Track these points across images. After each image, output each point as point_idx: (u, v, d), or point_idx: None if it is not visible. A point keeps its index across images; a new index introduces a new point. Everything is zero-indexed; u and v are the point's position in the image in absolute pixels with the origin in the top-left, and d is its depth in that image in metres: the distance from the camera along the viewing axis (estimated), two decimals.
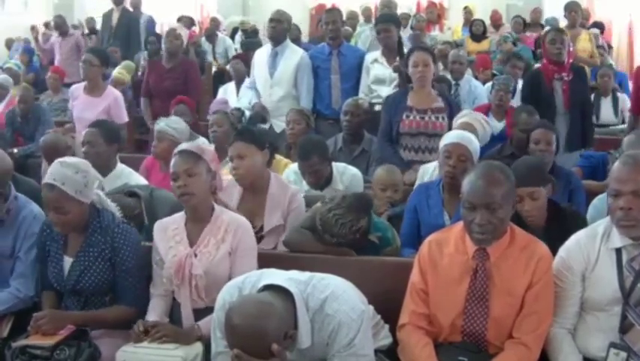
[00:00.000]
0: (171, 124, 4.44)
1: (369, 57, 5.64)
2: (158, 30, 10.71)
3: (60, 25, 9.03)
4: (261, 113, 5.71)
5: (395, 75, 5.34)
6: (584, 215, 3.41)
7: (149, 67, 6.47)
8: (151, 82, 6.20)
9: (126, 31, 9.38)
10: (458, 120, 4.24)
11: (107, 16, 9.61)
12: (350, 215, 3.07)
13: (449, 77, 6.56)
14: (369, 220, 3.25)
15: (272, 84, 5.77)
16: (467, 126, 4.08)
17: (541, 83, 5.12)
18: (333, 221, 3.06)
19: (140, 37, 9.58)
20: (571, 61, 5.30)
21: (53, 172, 2.88)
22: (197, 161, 2.93)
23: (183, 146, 3.02)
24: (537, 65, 7.62)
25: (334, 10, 6.13)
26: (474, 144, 3.58)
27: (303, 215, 3.47)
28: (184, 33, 6.45)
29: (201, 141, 4.73)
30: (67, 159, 3.04)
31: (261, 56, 5.95)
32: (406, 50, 5.62)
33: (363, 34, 6.71)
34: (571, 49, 5.26)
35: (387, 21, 5.67)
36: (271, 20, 5.86)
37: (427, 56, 4.64)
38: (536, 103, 4.99)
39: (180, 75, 6.09)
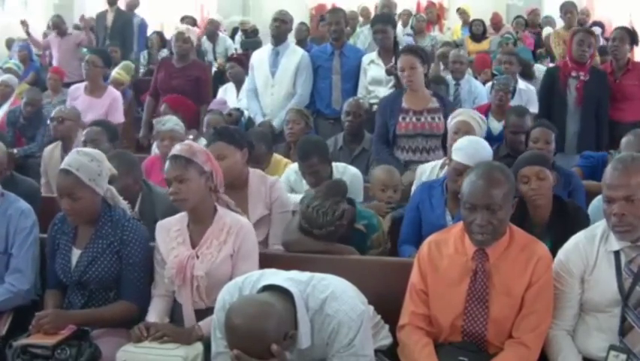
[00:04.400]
0: (181, 123, 4.55)
1: (365, 58, 5.67)
2: (158, 30, 10.73)
3: (58, 25, 8.99)
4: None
5: (391, 76, 5.35)
6: (586, 210, 3.42)
7: (159, 65, 6.39)
8: (159, 80, 6.13)
9: (121, 32, 9.38)
10: (454, 119, 4.19)
11: (101, 17, 9.59)
12: (327, 202, 3.13)
13: (449, 77, 6.56)
14: (354, 209, 3.32)
15: (273, 83, 5.79)
16: (464, 125, 4.03)
17: (556, 81, 5.19)
18: (315, 213, 3.12)
19: (134, 38, 9.59)
20: (591, 63, 5.35)
21: (69, 160, 2.95)
22: (188, 165, 2.91)
23: (175, 150, 2.99)
24: (537, 65, 7.65)
25: (339, 11, 6.13)
26: (484, 159, 3.43)
27: (286, 202, 3.56)
28: (193, 34, 6.38)
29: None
30: (84, 148, 3.13)
31: (261, 56, 5.95)
32: None
33: (362, 35, 6.73)
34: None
35: (383, 22, 5.68)
36: (275, 20, 5.87)
37: (414, 59, 4.58)
38: (551, 100, 5.02)
39: (191, 76, 6.02)
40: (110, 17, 9.45)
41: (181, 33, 6.15)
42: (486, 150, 3.50)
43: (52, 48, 9.04)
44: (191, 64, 6.14)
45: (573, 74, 5.14)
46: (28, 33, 9.94)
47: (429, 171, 4.11)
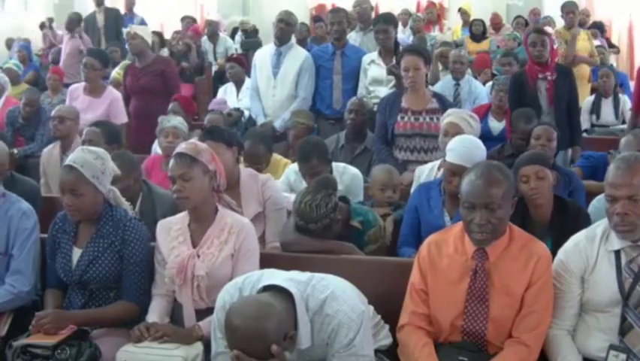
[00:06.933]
0: (185, 123, 4.63)
1: (366, 58, 5.65)
2: (158, 30, 10.74)
3: (72, 22, 8.94)
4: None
5: (391, 76, 5.35)
6: (586, 210, 3.42)
7: (125, 73, 6.37)
8: (127, 84, 6.14)
9: (115, 30, 9.36)
10: (444, 120, 4.16)
11: (90, 19, 9.54)
12: (319, 195, 3.14)
13: (449, 76, 6.56)
14: (348, 207, 3.33)
15: (275, 84, 5.77)
16: (452, 127, 4.00)
17: (525, 84, 5.12)
18: (308, 208, 3.13)
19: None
20: (556, 60, 5.34)
21: (74, 156, 2.98)
22: (192, 164, 2.92)
23: (180, 148, 3.00)
24: None
25: (340, 11, 6.10)
26: (479, 159, 3.38)
27: (280, 199, 3.57)
28: (142, 31, 6.28)
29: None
30: (89, 147, 3.17)
31: (264, 56, 5.93)
32: None
33: (354, 34, 6.70)
34: (555, 47, 5.29)
35: (386, 22, 5.67)
36: (280, 21, 5.83)
37: (418, 59, 4.58)
38: (521, 103, 5.01)
39: (156, 71, 6.00)
40: (100, 18, 9.42)
41: (128, 33, 6.19)
42: (479, 150, 3.48)
43: (63, 45, 9.05)
44: (153, 61, 6.10)
45: (540, 75, 5.10)
46: (50, 27, 9.99)
47: (427, 171, 4.10)
